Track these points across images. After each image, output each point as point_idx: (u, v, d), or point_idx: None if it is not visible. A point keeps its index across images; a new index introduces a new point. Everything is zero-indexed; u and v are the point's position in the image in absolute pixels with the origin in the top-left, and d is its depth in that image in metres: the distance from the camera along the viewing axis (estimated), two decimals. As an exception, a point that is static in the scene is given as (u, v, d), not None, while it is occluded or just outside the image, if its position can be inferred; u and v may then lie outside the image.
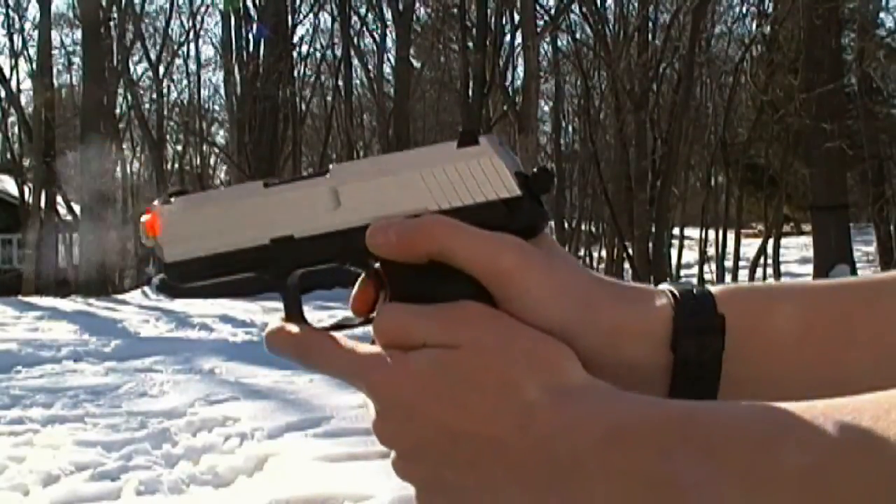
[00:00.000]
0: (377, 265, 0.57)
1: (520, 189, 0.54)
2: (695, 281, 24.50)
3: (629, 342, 0.54)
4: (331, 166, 0.58)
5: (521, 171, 0.55)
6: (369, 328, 0.56)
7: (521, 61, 20.96)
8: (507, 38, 23.04)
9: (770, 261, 23.14)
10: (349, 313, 0.59)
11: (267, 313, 12.23)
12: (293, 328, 0.57)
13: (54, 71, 29.52)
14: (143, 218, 0.60)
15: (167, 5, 34.87)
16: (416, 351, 0.52)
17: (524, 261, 0.53)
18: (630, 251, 22.56)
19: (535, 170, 0.56)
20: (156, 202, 0.60)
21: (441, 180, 0.55)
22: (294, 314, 0.58)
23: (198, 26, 32.65)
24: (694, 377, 0.54)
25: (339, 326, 0.58)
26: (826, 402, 0.46)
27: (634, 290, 0.56)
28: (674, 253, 25.28)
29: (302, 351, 0.56)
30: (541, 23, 19.73)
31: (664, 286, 0.57)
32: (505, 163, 0.55)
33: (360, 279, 0.59)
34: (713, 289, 0.57)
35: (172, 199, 0.59)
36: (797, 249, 31.12)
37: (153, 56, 27.52)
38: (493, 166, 0.55)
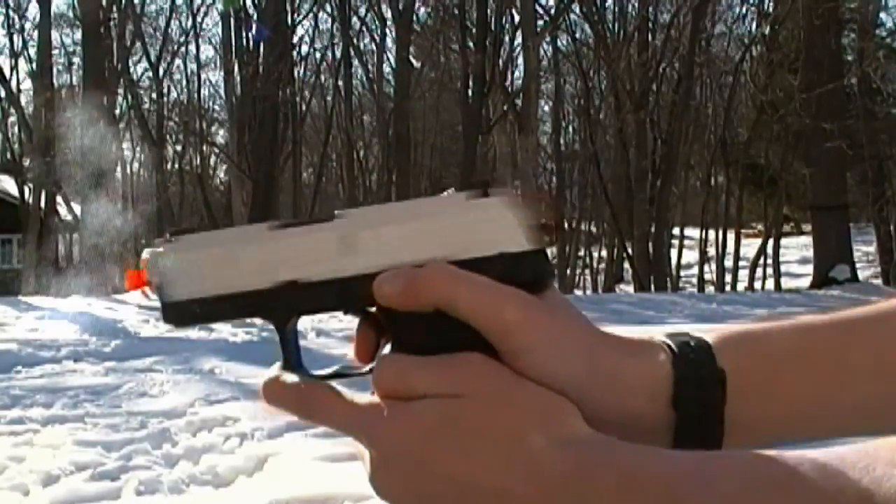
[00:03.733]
0: (373, 310, 0.56)
1: (530, 243, 0.54)
2: (695, 281, 24.50)
3: (631, 398, 0.53)
4: (337, 212, 0.57)
5: (532, 224, 0.55)
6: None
7: (521, 61, 20.96)
8: (507, 38, 23.07)
9: (770, 261, 23.15)
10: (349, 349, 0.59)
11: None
12: (291, 379, 0.56)
13: (54, 71, 29.55)
14: (144, 255, 0.60)
15: (167, 5, 34.91)
16: (419, 401, 0.51)
17: (527, 315, 0.52)
18: (630, 251, 22.56)
19: (542, 222, 0.56)
20: (157, 240, 0.59)
21: (452, 231, 0.54)
22: (292, 363, 0.57)
23: (198, 26, 32.66)
24: (696, 430, 0.54)
25: (339, 375, 0.57)
26: (837, 450, 0.46)
27: (635, 343, 0.56)
28: (674, 253, 25.28)
29: (299, 404, 0.55)
30: (541, 23, 19.73)
31: (661, 338, 0.57)
32: (515, 215, 0.54)
33: (358, 325, 0.58)
34: (709, 337, 0.56)
35: (175, 239, 0.59)
36: (797, 249, 31.10)
37: (153, 56, 27.55)
38: (503, 218, 0.54)
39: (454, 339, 0.52)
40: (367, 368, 0.57)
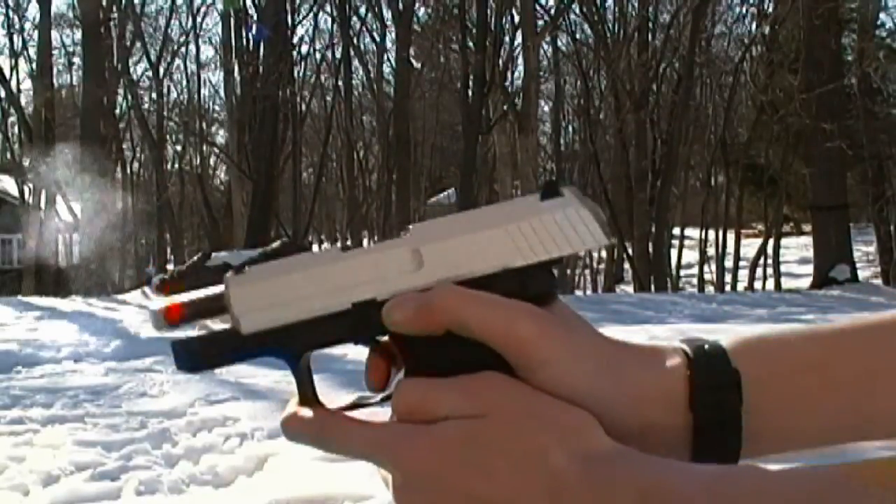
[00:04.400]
0: (384, 339, 0.56)
1: (607, 238, 0.54)
2: (695, 281, 24.50)
3: (650, 405, 0.53)
4: (410, 226, 0.56)
5: (605, 220, 0.55)
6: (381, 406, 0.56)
7: (521, 61, 20.96)
8: (507, 38, 23.05)
9: (770, 261, 23.15)
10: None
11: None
12: (307, 413, 0.56)
13: (54, 71, 29.54)
14: (170, 303, 0.59)
15: (167, 5, 34.96)
16: (440, 423, 0.51)
17: (541, 329, 0.52)
18: (630, 251, 22.56)
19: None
20: (230, 273, 0.58)
21: (528, 234, 0.54)
22: (308, 397, 0.57)
23: (198, 26, 32.65)
24: (715, 435, 0.53)
25: (356, 406, 0.57)
26: (853, 465, 0.46)
27: (649, 350, 0.56)
28: (674, 253, 25.28)
29: (319, 436, 0.55)
30: (541, 23, 19.73)
31: (676, 344, 0.56)
32: (591, 212, 0.54)
33: (368, 354, 0.58)
34: (724, 342, 0.56)
35: (246, 269, 0.58)
36: (797, 249, 31.11)
37: (153, 56, 27.53)
38: (579, 217, 0.54)
39: (469, 359, 0.52)
40: (380, 397, 0.57)
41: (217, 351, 0.57)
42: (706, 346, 0.55)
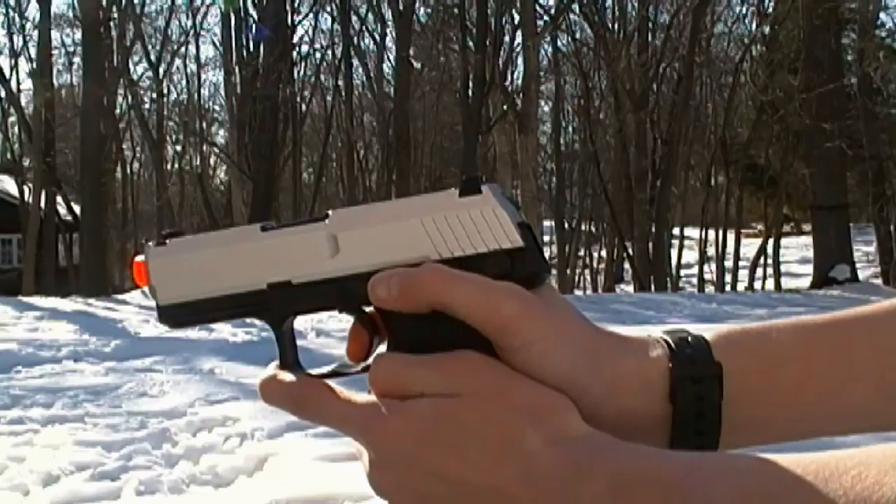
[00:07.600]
0: (369, 310, 0.56)
1: (522, 240, 0.54)
2: (695, 281, 24.50)
3: (629, 394, 0.53)
4: (330, 211, 0.57)
5: (522, 221, 0.55)
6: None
7: (521, 61, 20.95)
8: (507, 38, 23.03)
9: (770, 261, 23.14)
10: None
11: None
12: (287, 377, 0.56)
13: (54, 71, 29.55)
14: (137, 259, 0.60)
15: (167, 5, 34.89)
16: (414, 400, 0.51)
17: (526, 312, 0.52)
18: (630, 251, 22.55)
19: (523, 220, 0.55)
20: (150, 243, 0.59)
21: (442, 229, 0.54)
22: (288, 362, 0.57)
23: (198, 26, 32.62)
24: (694, 427, 0.53)
25: (336, 374, 0.57)
26: (831, 455, 0.46)
27: (632, 340, 0.56)
28: (674, 253, 25.27)
29: (296, 402, 0.55)
30: (541, 23, 19.73)
31: (659, 334, 0.56)
32: (507, 213, 0.54)
33: (352, 324, 0.58)
34: (708, 334, 0.56)
35: (167, 241, 0.59)
36: (797, 249, 31.12)
37: (153, 56, 27.50)
38: (495, 216, 0.54)
39: (451, 337, 0.52)
40: (360, 367, 0.57)
41: (192, 309, 0.58)
42: (689, 339, 0.55)
